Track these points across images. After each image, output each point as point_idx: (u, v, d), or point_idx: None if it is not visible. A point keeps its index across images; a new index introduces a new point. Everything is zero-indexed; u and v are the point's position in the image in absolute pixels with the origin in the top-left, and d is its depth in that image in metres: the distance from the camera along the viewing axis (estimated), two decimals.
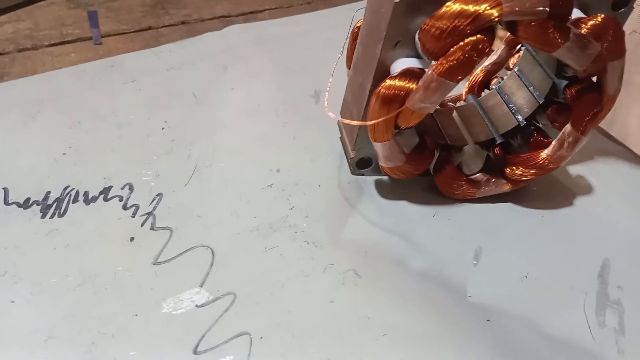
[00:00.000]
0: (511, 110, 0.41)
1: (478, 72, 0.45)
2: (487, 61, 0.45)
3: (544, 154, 0.38)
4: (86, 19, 0.53)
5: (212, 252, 0.34)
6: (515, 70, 0.42)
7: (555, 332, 0.34)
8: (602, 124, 0.54)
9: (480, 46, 0.31)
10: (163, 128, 0.42)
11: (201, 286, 0.32)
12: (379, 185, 0.41)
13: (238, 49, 0.51)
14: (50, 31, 0.51)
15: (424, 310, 0.33)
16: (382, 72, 0.34)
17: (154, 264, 0.33)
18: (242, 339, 0.30)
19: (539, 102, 0.39)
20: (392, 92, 0.33)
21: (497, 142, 0.41)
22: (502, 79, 0.43)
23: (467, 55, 0.31)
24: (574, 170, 0.45)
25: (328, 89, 0.35)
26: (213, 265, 0.33)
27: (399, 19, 0.32)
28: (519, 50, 0.43)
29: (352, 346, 0.31)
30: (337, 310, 0.32)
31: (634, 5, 0.49)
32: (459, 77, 0.32)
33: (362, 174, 0.41)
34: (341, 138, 0.42)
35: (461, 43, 0.31)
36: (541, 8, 0.30)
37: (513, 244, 0.38)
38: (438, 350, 0.31)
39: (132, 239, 0.34)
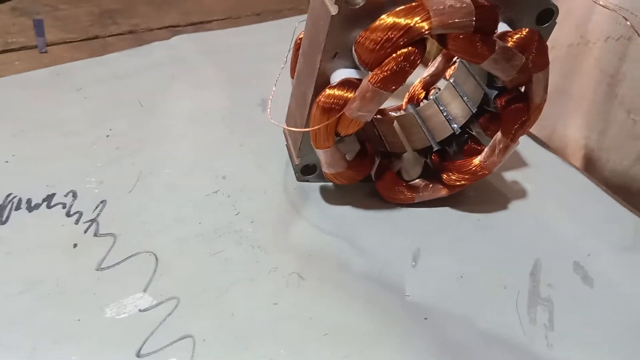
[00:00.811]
0: (447, 119, 0.43)
1: (417, 83, 0.48)
2: (426, 73, 0.48)
3: (477, 160, 0.40)
4: (32, 28, 0.53)
5: (156, 258, 0.35)
6: (451, 81, 0.44)
7: (488, 328, 0.35)
8: (541, 135, 0.57)
9: (412, 57, 0.32)
10: (108, 136, 0.42)
11: (145, 291, 0.33)
12: (323, 191, 0.42)
13: (186, 59, 0.52)
14: None
15: (365, 310, 0.34)
16: (323, 82, 0.36)
17: (97, 270, 0.33)
18: (185, 341, 0.31)
19: (472, 112, 0.41)
20: (331, 101, 0.35)
21: (434, 150, 0.43)
22: (439, 89, 0.46)
23: (400, 66, 0.32)
24: (510, 176, 0.47)
25: (271, 97, 0.36)
26: (157, 271, 0.34)
27: (336, 32, 0.33)
28: (455, 62, 0.45)
29: (294, 346, 0.32)
30: (281, 312, 0.33)
31: (569, 20, 0.52)
32: (393, 87, 0.33)
33: (307, 180, 0.42)
34: (287, 145, 0.43)
35: (394, 55, 0.32)
36: (467, 22, 0.32)
37: (450, 246, 0.40)
38: (377, 346, 0.33)
39: (75, 245, 0.34)
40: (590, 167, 0.58)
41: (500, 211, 0.44)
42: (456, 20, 0.32)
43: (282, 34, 0.40)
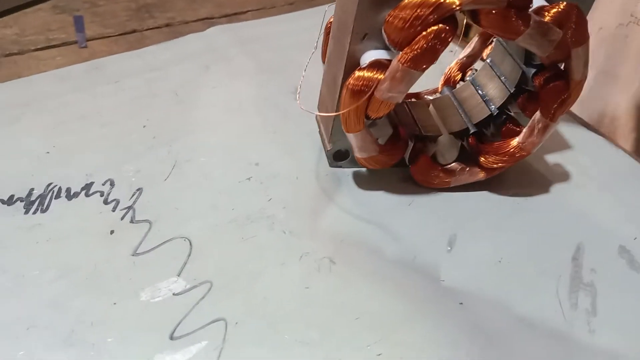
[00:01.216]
0: (484, 100, 0.42)
1: (453, 65, 0.46)
2: (462, 54, 0.46)
3: (515, 141, 0.39)
4: (72, 24, 0.54)
5: (190, 243, 0.35)
6: (488, 61, 0.43)
7: (526, 313, 0.34)
8: (590, 119, 0.55)
9: (442, 35, 0.31)
10: (145, 126, 0.43)
11: (178, 275, 0.33)
12: (356, 177, 0.42)
13: (220, 50, 0.52)
14: (37, 36, 0.53)
15: (397, 295, 0.34)
16: (352, 65, 0.35)
17: (132, 255, 0.34)
18: (217, 324, 0.31)
19: (510, 91, 0.40)
20: (361, 82, 0.34)
21: (471, 132, 0.41)
22: (476, 70, 0.44)
23: (430, 44, 0.32)
24: (553, 159, 0.46)
25: (300, 84, 0.36)
26: (190, 256, 0.34)
27: (365, 13, 0.33)
28: (492, 42, 0.44)
29: (325, 330, 0.31)
30: (312, 296, 0.33)
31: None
32: (424, 66, 0.33)
33: (340, 166, 0.42)
34: (319, 132, 0.43)
35: (424, 32, 0.32)
36: None
37: (487, 230, 0.39)
38: (409, 330, 0.32)
39: (112, 231, 0.35)
40: None
41: (541, 194, 0.43)
42: None
43: (314, 22, 0.39)
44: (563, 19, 0.34)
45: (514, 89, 0.40)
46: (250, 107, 0.46)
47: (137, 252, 0.34)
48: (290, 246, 0.36)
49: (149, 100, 0.46)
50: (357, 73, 0.34)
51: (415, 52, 0.32)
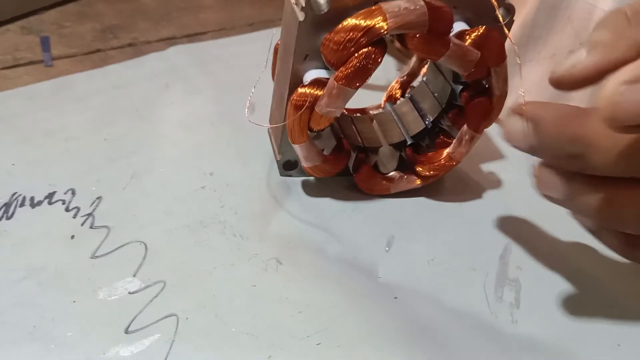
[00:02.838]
0: (420, 115, 0.46)
1: (394, 83, 0.50)
2: (403, 73, 0.50)
3: (446, 152, 0.43)
4: (39, 44, 0.57)
5: (146, 247, 0.38)
6: (424, 79, 0.47)
7: (455, 306, 0.38)
8: None
9: (372, 56, 0.35)
10: (105, 140, 0.46)
11: (134, 276, 0.36)
12: (305, 185, 0.45)
13: (179, 68, 0.55)
14: (4, 56, 0.55)
15: (337, 291, 0.37)
16: (296, 82, 0.39)
17: (91, 258, 0.37)
18: (169, 319, 0.34)
19: (441, 107, 0.44)
20: (303, 98, 0.38)
21: (408, 144, 0.45)
22: (414, 87, 0.49)
23: (362, 65, 0.36)
24: (487, 168, 0.50)
25: (249, 99, 0.39)
26: (146, 258, 0.37)
27: (305, 37, 0.37)
28: (427, 62, 0.48)
29: (269, 322, 0.35)
30: (258, 293, 0.36)
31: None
32: (357, 84, 0.36)
33: (290, 175, 0.46)
34: (271, 143, 0.47)
35: (356, 54, 0.36)
36: (421, 22, 0.35)
37: (422, 233, 0.43)
38: (346, 322, 0.35)
39: (72, 236, 0.38)
40: None
41: (474, 200, 0.47)
42: (410, 21, 0.35)
43: (269, 43, 0.43)
44: (482, 41, 0.38)
45: (445, 105, 0.44)
46: (206, 122, 0.49)
47: (96, 254, 0.37)
48: (240, 248, 0.39)
49: (111, 116, 0.48)
50: (300, 90, 0.38)
51: (348, 71, 0.36)
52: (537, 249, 0.43)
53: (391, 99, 0.50)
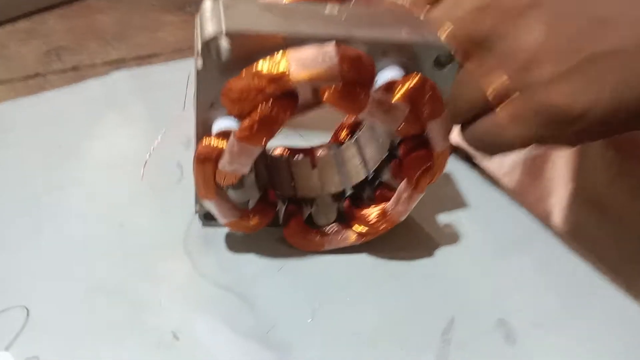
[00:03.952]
0: (363, 162, 0.41)
1: (345, 120, 0.45)
2: None
3: (376, 211, 0.38)
4: None
5: (28, 313, 0.34)
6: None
7: None
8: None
9: (278, 109, 0.31)
10: (12, 181, 0.42)
11: (7, 349, 0.32)
12: (229, 238, 0.40)
13: (118, 96, 0.51)
14: None
15: None
16: (204, 132, 0.34)
17: None
18: None
19: (382, 156, 0.39)
20: (207, 151, 0.33)
21: (347, 195, 0.40)
22: (362, 128, 0.43)
23: (266, 119, 0.31)
24: (446, 218, 0.44)
25: (153, 148, 0.35)
26: (25, 327, 0.33)
27: (207, 84, 0.32)
28: None
29: None
30: None
31: None
32: (262, 141, 0.32)
33: (214, 225, 0.41)
34: None
35: (260, 107, 0.31)
36: (332, 74, 0.30)
37: (355, 299, 0.38)
38: None
39: None
40: None
41: (424, 258, 0.41)
42: (320, 73, 0.30)
43: None
44: (415, 94, 0.32)
45: (386, 154, 0.39)
46: (133, 160, 0.44)
47: None
48: (132, 321, 0.34)
49: (28, 152, 0.45)
50: (205, 141, 0.33)
51: (250, 127, 0.31)
52: (489, 322, 0.37)
53: (337, 140, 0.45)
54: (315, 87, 0.31)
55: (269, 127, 0.31)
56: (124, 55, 0.57)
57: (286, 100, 0.31)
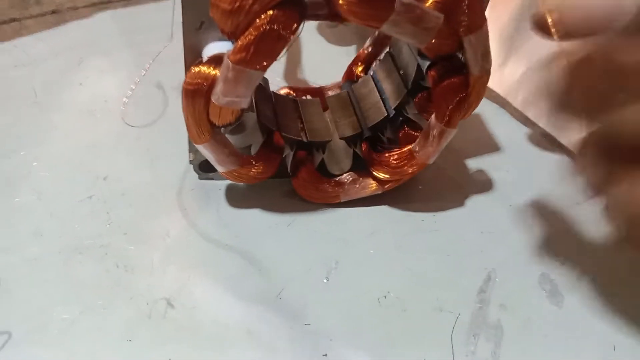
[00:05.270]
0: (382, 99, 0.35)
1: (359, 53, 0.39)
2: (368, 41, 0.39)
3: (406, 150, 0.32)
4: None
5: None
6: (390, 50, 0.36)
7: None
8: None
9: (283, 20, 0.25)
10: None
11: None
12: (230, 191, 0.35)
13: (101, 40, 0.45)
14: None
15: (243, 345, 0.27)
16: (193, 61, 0.28)
17: None
18: None
19: (406, 89, 0.33)
20: (195, 81, 0.27)
21: (365, 137, 0.35)
22: (379, 61, 0.37)
23: (266, 35, 0.25)
24: (476, 164, 0.39)
25: (133, 87, 0.29)
26: None
27: None
28: None
29: None
30: (134, 352, 0.27)
31: None
32: (263, 64, 0.26)
33: (212, 178, 0.36)
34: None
35: (258, 19, 0.25)
36: None
37: (377, 257, 0.32)
38: None
39: None
40: None
41: (453, 209, 0.36)
42: None
43: None
44: (450, 1, 0.26)
45: (410, 86, 0.33)
46: (115, 108, 0.39)
47: None
48: (120, 284, 0.29)
49: (2, 102, 0.39)
50: (193, 69, 0.28)
51: (247, 45, 0.25)
52: (531, 279, 0.32)
53: (351, 77, 0.39)
54: None
55: (270, 45, 0.25)
56: None
57: (290, 9, 0.25)
